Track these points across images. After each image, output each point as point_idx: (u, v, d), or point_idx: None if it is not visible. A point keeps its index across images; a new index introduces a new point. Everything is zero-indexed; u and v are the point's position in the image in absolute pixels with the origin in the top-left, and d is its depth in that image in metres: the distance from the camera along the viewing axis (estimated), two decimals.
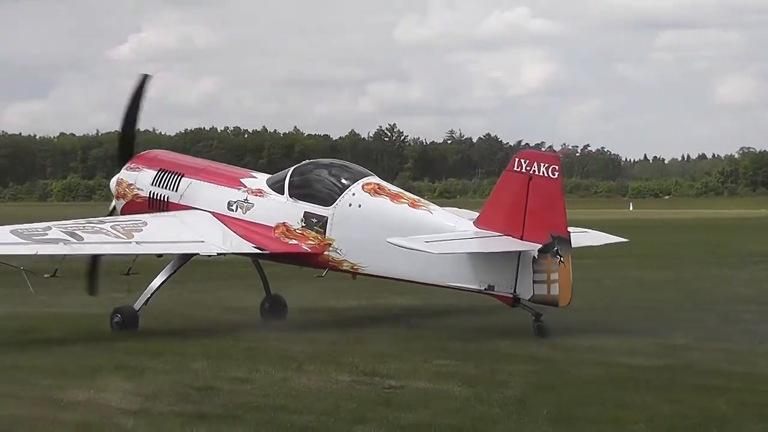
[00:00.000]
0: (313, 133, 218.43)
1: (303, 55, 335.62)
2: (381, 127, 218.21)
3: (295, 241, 18.65)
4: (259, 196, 19.23)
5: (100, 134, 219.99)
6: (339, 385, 13.42)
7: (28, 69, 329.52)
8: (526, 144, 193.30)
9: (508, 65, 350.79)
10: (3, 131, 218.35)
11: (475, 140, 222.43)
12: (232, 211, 19.20)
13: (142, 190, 20.31)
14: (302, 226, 18.57)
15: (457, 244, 17.02)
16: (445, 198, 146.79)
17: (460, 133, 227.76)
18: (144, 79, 20.62)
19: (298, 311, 20.81)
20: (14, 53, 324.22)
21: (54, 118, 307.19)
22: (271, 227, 18.84)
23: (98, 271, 19.78)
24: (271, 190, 19.26)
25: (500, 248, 16.68)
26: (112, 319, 18.21)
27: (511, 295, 16.84)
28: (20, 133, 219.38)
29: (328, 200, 18.63)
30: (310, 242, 18.55)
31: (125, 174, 20.64)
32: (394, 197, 18.34)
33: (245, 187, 19.50)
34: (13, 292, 22.09)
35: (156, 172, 20.35)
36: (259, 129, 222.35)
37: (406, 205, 18.16)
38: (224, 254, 18.86)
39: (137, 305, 18.27)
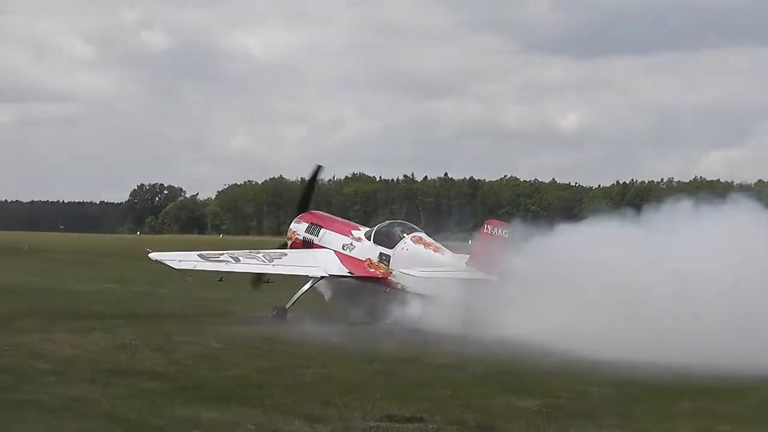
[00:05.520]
0: None
1: None
2: None
3: (372, 270, 28.14)
4: (359, 241, 28.86)
5: None
6: None
7: (728, 115, 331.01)
8: None
9: None
10: (700, 177, 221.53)
11: None
12: (344, 250, 28.77)
13: (300, 235, 30.36)
14: (378, 261, 28.00)
15: (439, 273, 26.35)
16: None
17: None
18: (317, 169, 31.64)
19: None
20: (715, 100, 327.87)
21: (753, 164, 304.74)
22: (362, 260, 28.20)
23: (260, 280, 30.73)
24: (364, 238, 28.83)
25: (467, 276, 25.56)
26: (271, 311, 27.62)
27: None
28: (718, 180, 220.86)
29: (391, 245, 27.97)
30: (381, 270, 28.02)
31: (294, 225, 31.06)
32: (426, 245, 27.78)
33: (353, 236, 29.17)
34: None
35: (308, 224, 30.51)
36: None
37: (431, 250, 27.55)
38: (326, 276, 27.96)
39: (287, 305, 27.68)
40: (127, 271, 41.17)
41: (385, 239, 28.38)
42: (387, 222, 30.03)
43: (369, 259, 28.22)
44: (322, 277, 28.03)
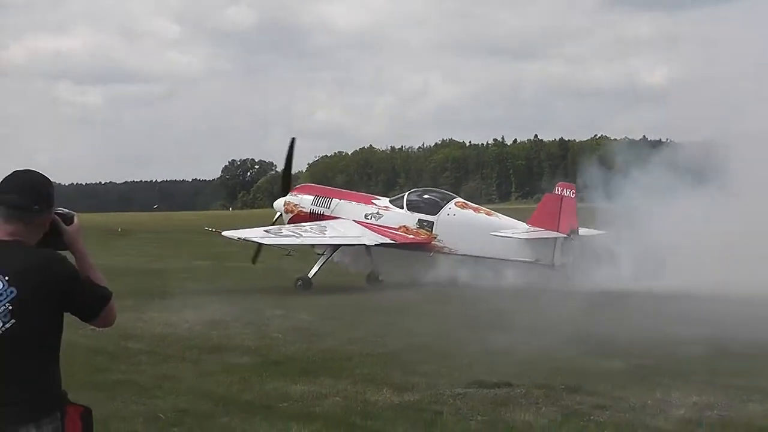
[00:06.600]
0: None
1: None
2: None
3: (412, 236, 28.58)
4: (386, 209, 29.40)
5: None
6: None
7: None
8: None
9: None
10: None
11: None
12: (369, 219, 29.10)
13: (305, 208, 30.38)
14: (417, 227, 28.55)
15: (530, 234, 26.59)
16: None
17: None
18: (292, 142, 31.74)
19: None
20: None
21: None
22: (396, 228, 28.66)
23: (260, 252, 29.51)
24: (392, 206, 29.51)
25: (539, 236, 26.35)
26: (296, 283, 27.13)
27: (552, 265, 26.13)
28: None
29: (432, 211, 28.71)
30: (422, 236, 28.54)
31: (292, 198, 30.93)
32: (475, 209, 28.87)
33: (376, 205, 29.75)
34: None
35: (314, 196, 30.72)
36: None
37: (483, 213, 28.59)
38: (379, 244, 28.11)
39: (310, 274, 27.39)
40: (221, 247, 41.69)
41: (423, 206, 29.02)
42: (417, 189, 31.37)
43: (404, 226, 28.72)
44: (341, 246, 28.28)
